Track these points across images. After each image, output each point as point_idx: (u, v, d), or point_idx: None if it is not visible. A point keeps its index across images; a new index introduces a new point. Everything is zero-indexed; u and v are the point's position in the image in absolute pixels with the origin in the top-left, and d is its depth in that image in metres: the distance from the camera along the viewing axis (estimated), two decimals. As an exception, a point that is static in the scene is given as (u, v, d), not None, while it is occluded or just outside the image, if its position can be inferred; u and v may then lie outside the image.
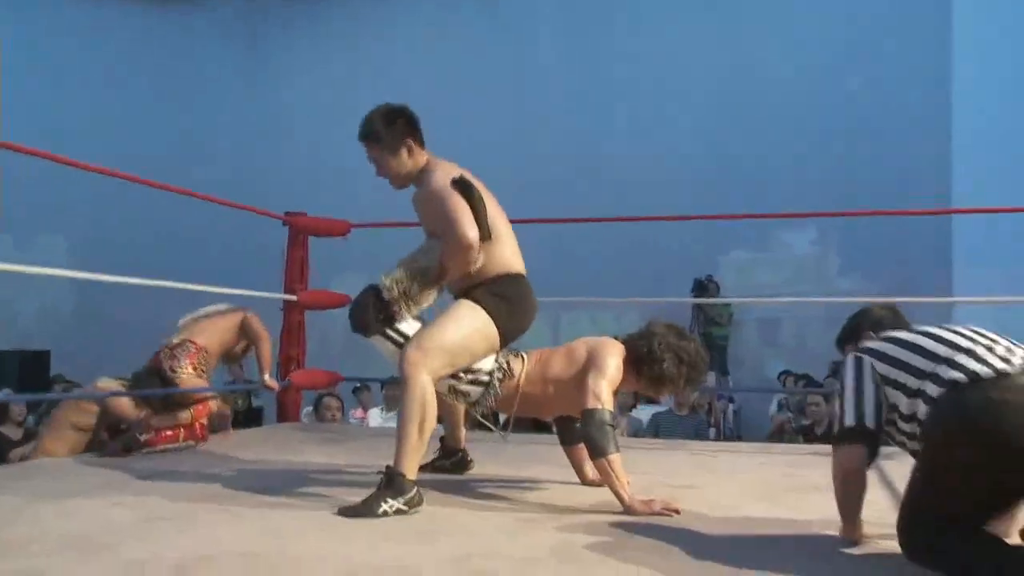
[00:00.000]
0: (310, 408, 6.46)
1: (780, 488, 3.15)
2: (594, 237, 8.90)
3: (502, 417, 3.22)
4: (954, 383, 1.95)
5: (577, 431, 2.95)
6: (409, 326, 2.81)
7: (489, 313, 2.74)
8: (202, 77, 11.98)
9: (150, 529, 2.35)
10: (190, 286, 4.31)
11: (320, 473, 3.34)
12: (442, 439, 3.38)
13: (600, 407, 2.70)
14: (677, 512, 2.63)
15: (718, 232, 9.91)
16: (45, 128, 10.22)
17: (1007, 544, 1.93)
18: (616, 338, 2.96)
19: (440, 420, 3.44)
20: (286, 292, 5.00)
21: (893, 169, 9.76)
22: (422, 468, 3.26)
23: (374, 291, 2.78)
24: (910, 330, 2.21)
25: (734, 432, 8.08)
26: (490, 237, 2.77)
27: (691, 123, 10.28)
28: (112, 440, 3.97)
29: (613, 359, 2.83)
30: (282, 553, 2.11)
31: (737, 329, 10.41)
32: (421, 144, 2.87)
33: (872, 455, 2.16)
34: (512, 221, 2.96)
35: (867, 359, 2.18)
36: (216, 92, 11.91)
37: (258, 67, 11.99)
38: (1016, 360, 1.95)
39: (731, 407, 8.30)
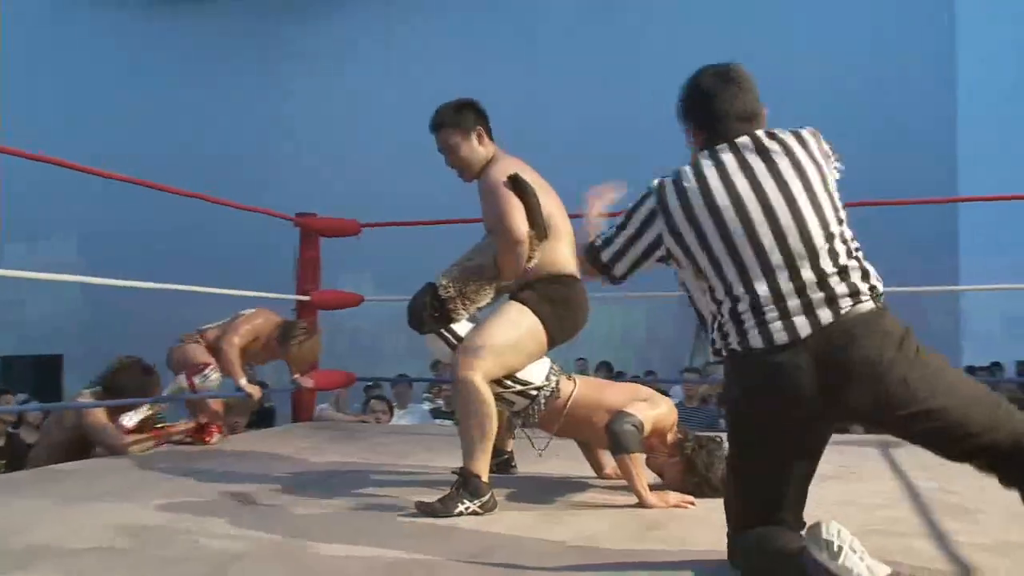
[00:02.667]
0: (324, 405, 6.51)
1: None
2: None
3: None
4: (734, 352, 1.93)
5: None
6: (462, 327, 2.84)
7: (537, 314, 2.75)
8: (211, 81, 12.05)
9: (181, 529, 2.40)
10: (199, 288, 4.37)
11: (340, 471, 3.38)
12: None
13: (635, 415, 2.75)
14: (692, 504, 2.70)
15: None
16: (53, 130, 10.29)
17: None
18: (681, 435, 2.94)
19: None
20: (299, 293, 5.04)
21: (901, 159, 9.79)
22: None
23: (431, 289, 2.80)
24: (729, 198, 1.94)
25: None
26: (547, 236, 2.78)
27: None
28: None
29: (668, 410, 2.87)
30: (312, 551, 2.16)
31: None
32: (490, 136, 2.91)
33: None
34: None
35: (667, 201, 2.01)
36: (225, 96, 11.97)
37: (267, 70, 12.05)
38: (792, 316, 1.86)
39: (741, 398, 8.33)
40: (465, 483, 2.57)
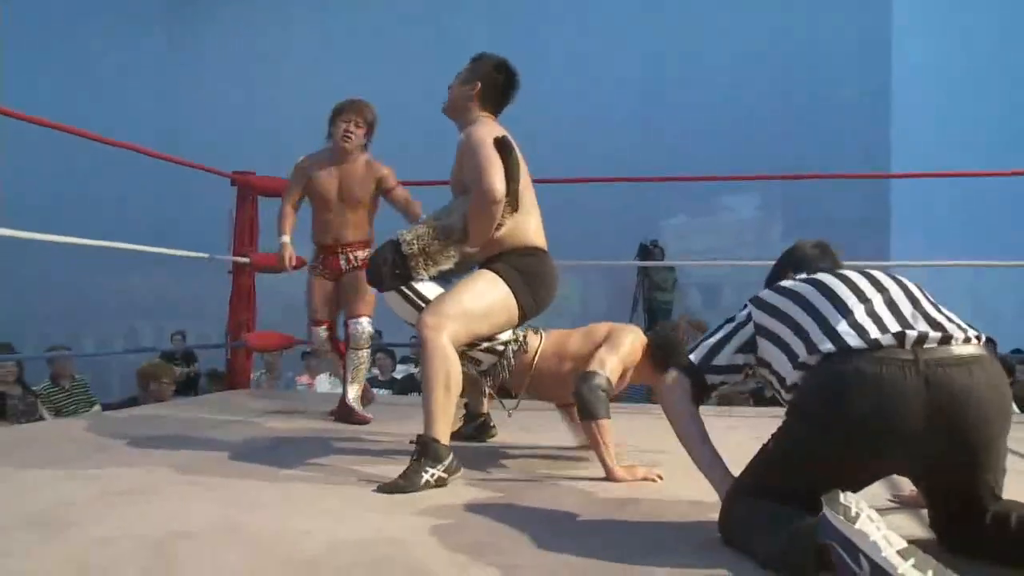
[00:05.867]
0: (259, 373, 6.30)
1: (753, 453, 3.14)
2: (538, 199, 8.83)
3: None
4: (826, 355, 1.77)
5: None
6: (427, 288, 2.68)
7: (509, 285, 2.66)
8: (125, 38, 11.49)
9: (114, 504, 2.19)
10: (122, 245, 4.12)
11: (282, 441, 3.20)
12: (465, 405, 3.30)
13: (600, 372, 2.66)
14: (660, 478, 2.60)
15: (662, 196, 9.93)
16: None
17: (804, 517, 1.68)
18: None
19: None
20: (236, 254, 4.79)
21: (834, 136, 9.92)
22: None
23: (394, 245, 2.66)
24: (808, 280, 1.97)
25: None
26: (517, 208, 2.67)
27: (635, 88, 10.25)
28: None
29: (631, 339, 2.80)
30: (265, 528, 1.98)
31: (680, 294, 10.44)
32: (492, 103, 2.82)
33: (696, 398, 2.06)
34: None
35: (755, 314, 1.99)
36: (139, 54, 11.44)
37: (183, 27, 11.55)
38: (896, 324, 1.76)
39: (676, 371, 8.36)
40: (425, 449, 2.44)
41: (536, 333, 2.90)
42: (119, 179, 8.84)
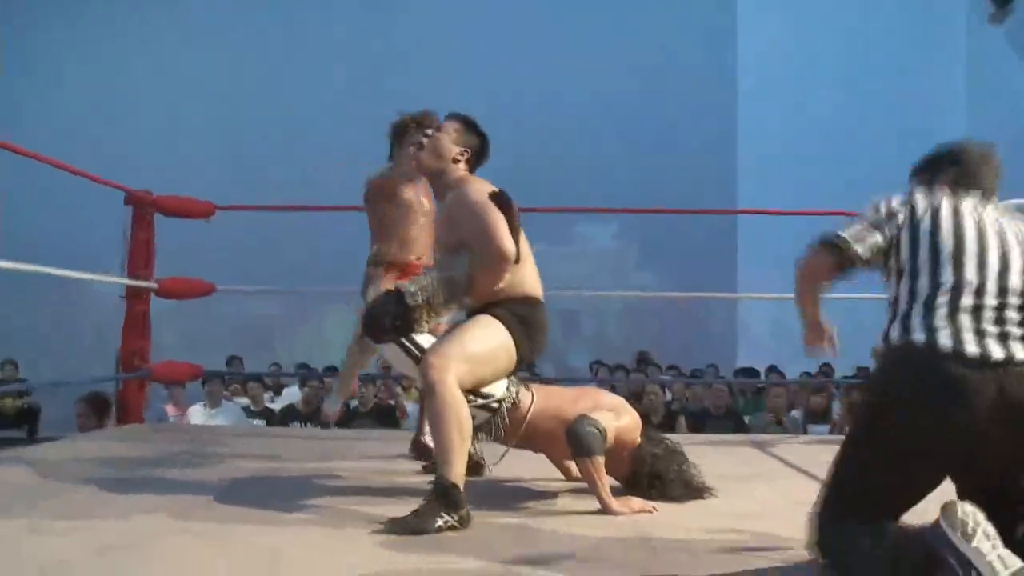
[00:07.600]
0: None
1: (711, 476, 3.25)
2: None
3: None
4: (912, 343, 1.82)
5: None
6: (425, 340, 2.63)
7: (510, 331, 2.62)
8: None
9: (115, 563, 1.96)
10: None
11: (238, 481, 2.99)
12: None
13: (598, 420, 2.66)
14: (655, 509, 2.65)
15: (522, 224, 10.12)
16: None
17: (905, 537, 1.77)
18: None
19: None
20: (130, 277, 4.45)
21: (686, 172, 10.44)
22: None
23: (397, 296, 2.58)
24: (960, 215, 1.95)
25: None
26: (519, 260, 2.64)
27: (495, 118, 10.37)
28: None
29: (631, 422, 2.82)
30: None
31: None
32: (472, 161, 2.81)
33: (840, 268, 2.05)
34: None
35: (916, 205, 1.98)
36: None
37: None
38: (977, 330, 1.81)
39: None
40: (444, 494, 2.37)
41: (528, 389, 2.85)
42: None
